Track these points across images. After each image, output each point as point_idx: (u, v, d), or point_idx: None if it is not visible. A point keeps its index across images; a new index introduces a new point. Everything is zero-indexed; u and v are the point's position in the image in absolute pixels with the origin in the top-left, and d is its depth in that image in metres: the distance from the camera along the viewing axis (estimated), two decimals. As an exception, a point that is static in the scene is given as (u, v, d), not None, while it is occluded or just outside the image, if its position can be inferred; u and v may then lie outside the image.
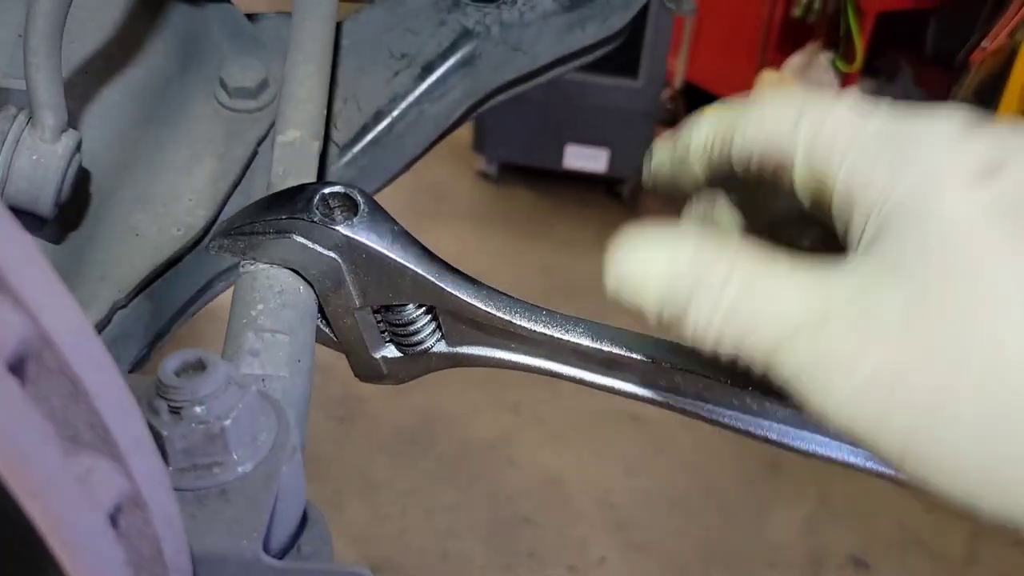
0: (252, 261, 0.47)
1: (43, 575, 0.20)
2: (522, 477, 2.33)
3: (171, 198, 0.56)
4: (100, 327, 0.52)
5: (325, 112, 0.54)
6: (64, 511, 0.19)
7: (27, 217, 0.49)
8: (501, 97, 0.66)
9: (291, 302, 0.47)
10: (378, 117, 0.60)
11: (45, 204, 0.49)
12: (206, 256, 0.55)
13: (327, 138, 0.58)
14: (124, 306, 0.54)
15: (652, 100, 3.61)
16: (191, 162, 0.58)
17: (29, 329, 0.19)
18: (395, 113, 0.60)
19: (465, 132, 3.79)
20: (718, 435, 2.24)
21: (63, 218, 0.53)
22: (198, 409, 0.33)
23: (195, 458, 0.34)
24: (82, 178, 0.52)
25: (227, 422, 0.33)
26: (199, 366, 0.34)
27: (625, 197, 3.76)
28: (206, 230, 0.57)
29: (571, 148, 3.65)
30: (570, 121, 3.61)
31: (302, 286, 0.48)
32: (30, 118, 0.49)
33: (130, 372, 0.56)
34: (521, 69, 0.68)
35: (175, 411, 0.33)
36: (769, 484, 2.39)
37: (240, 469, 0.34)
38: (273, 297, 0.46)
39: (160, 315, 0.57)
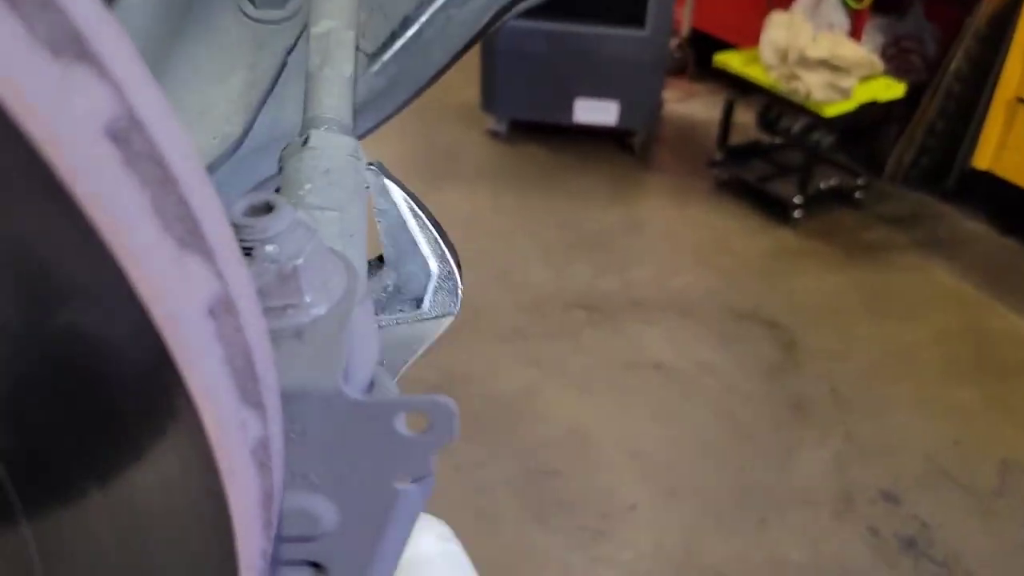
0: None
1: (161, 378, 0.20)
2: (549, 430, 2.33)
3: (206, 107, 0.56)
4: None
5: (356, 5, 0.54)
6: (168, 300, 0.19)
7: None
8: (529, 3, 0.65)
9: (338, 180, 0.46)
10: (406, 24, 0.58)
11: None
12: (245, 162, 0.55)
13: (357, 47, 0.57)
14: None
15: (660, 50, 3.57)
16: (222, 73, 0.57)
17: (118, 105, 0.18)
18: (423, 19, 0.59)
19: (473, 93, 3.76)
20: (742, 377, 2.26)
21: None
22: (269, 248, 0.32)
23: (269, 300, 0.33)
24: None
25: (299, 261, 0.33)
26: (266, 208, 0.33)
27: (636, 149, 3.72)
28: (242, 138, 0.56)
29: (580, 102, 3.62)
30: (578, 75, 3.57)
31: (349, 164, 0.47)
32: None
33: None
34: None
35: (246, 251, 0.32)
36: (796, 425, 2.39)
37: (314, 311, 0.34)
38: (319, 177, 0.46)
39: None
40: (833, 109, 3.03)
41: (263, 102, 0.57)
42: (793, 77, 3.06)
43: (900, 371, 2.61)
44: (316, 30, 0.51)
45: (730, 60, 3.34)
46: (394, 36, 0.59)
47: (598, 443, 2.30)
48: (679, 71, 4.31)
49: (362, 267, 0.46)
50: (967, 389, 2.55)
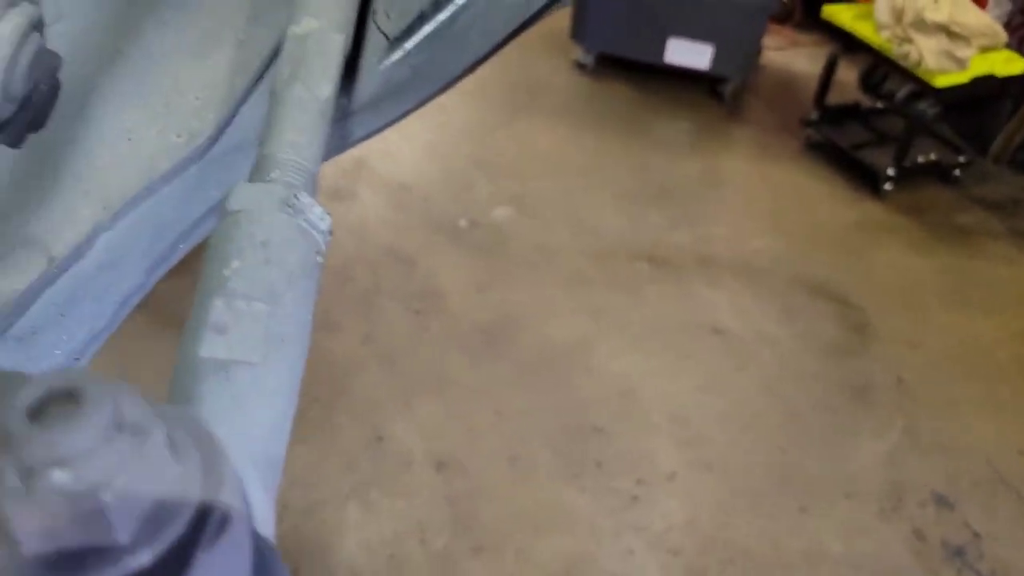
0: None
1: None
2: (597, 385, 2.28)
3: (175, 94, 0.47)
4: (81, 251, 0.45)
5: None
6: None
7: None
8: None
9: (276, 258, 0.36)
10: (440, 3, 0.48)
11: None
12: (215, 168, 0.47)
13: (375, 28, 0.48)
14: (109, 228, 0.46)
15: (766, -7, 3.34)
16: (204, 47, 0.48)
17: None
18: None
19: (562, 19, 3.61)
20: (803, 354, 2.15)
21: (30, 116, 0.42)
22: (59, 475, 0.22)
23: (60, 542, 0.22)
24: (51, 64, 0.41)
25: (106, 494, 0.22)
26: (69, 399, 0.22)
27: (727, 98, 3.55)
28: (214, 138, 0.48)
29: (674, 41, 3.44)
30: (675, 13, 3.39)
31: (297, 235, 0.38)
32: None
33: (122, 306, 0.49)
34: None
35: (28, 474, 0.22)
36: (853, 412, 2.29)
37: (132, 561, 0.23)
38: (252, 250, 0.36)
39: (160, 238, 0.49)
40: (944, 79, 2.81)
41: (248, 91, 0.48)
42: (906, 40, 2.83)
43: (974, 368, 2.46)
44: (294, 29, 0.41)
45: (839, 13, 3.12)
46: (423, 18, 0.49)
47: (645, 405, 2.24)
48: (784, 18, 4.06)
49: (280, 408, 0.37)
50: (1045, 396, 2.40)
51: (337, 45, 0.41)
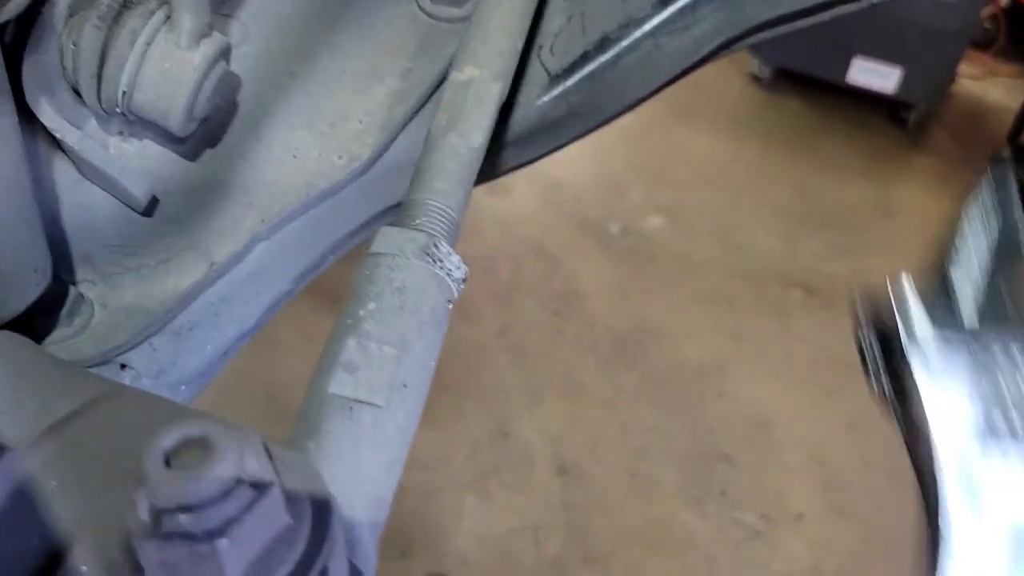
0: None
1: None
2: (729, 411, 2.21)
3: (340, 117, 0.49)
4: (239, 258, 0.48)
5: (520, 46, 0.44)
6: None
7: (160, 129, 0.44)
8: (765, 35, 0.53)
9: (412, 305, 0.37)
10: (604, 45, 0.48)
11: (175, 119, 0.42)
12: (369, 188, 0.48)
13: (538, 63, 0.48)
14: (266, 238, 0.48)
15: (967, 17, 3.12)
16: (371, 77, 0.50)
17: None
18: (625, 43, 0.48)
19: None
20: None
21: (208, 132, 0.47)
22: (183, 518, 0.23)
23: None
24: (232, 87, 0.46)
25: (223, 541, 0.23)
26: (202, 446, 0.24)
27: (910, 125, 3.33)
28: (372, 161, 0.49)
29: (859, 61, 3.26)
30: (862, 30, 3.21)
31: (433, 283, 0.39)
32: (168, 17, 0.42)
33: (269, 309, 0.51)
34: (796, 4, 0.53)
35: (158, 514, 0.24)
36: (1012, 479, 2.11)
37: None
38: (390, 295, 0.37)
39: (310, 250, 0.51)
40: None
41: (406, 122, 0.49)
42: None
43: None
44: (456, 76, 0.42)
45: (1051, 44, 2.86)
46: (586, 57, 0.49)
47: (780, 438, 2.15)
48: (986, 44, 3.77)
49: (397, 445, 0.38)
50: None
51: (495, 95, 0.42)
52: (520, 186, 2.90)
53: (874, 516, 2.00)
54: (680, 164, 3.10)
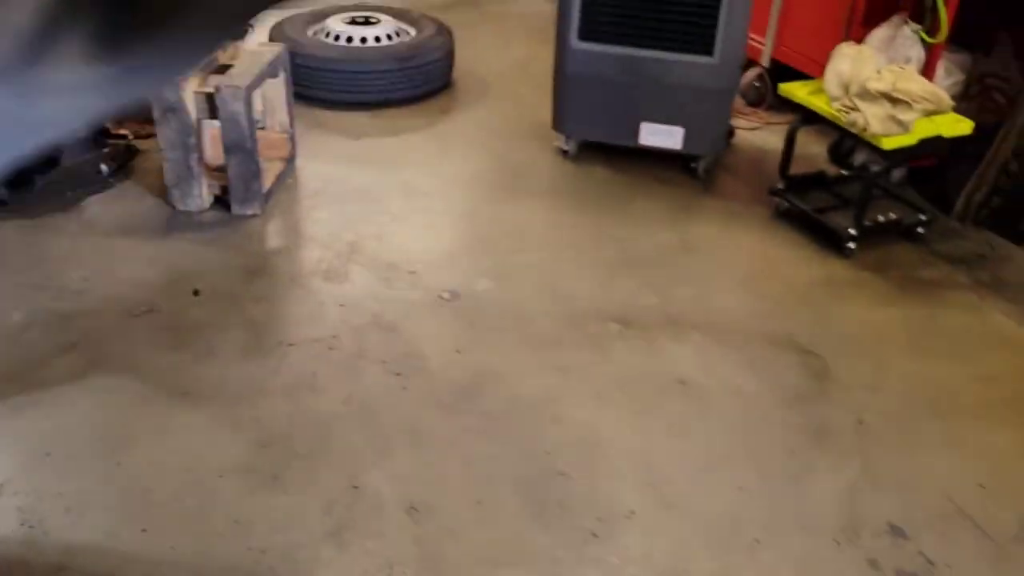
0: None
1: None
2: (562, 433, 2.40)
3: None
4: None
5: None
6: None
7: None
8: None
9: None
10: None
11: None
12: None
13: None
14: None
15: (728, 78, 3.59)
16: None
17: None
18: None
19: (546, 112, 3.88)
20: (765, 401, 2.29)
21: None
22: None
23: None
24: None
25: None
26: None
27: (700, 173, 3.75)
28: None
29: (647, 125, 3.68)
30: (646, 99, 3.64)
31: None
32: None
33: None
34: None
35: None
36: (812, 453, 2.38)
37: None
38: None
39: None
40: (891, 142, 2.99)
41: None
42: (852, 108, 3.04)
43: (934, 409, 2.55)
44: None
45: (795, 90, 3.34)
46: None
47: (608, 450, 2.35)
48: (757, 102, 4.31)
49: None
50: (1003, 434, 2.47)
51: None
52: (357, 270, 3.08)
53: (695, 503, 2.21)
54: (505, 235, 3.37)
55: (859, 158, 3.50)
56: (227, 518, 2.11)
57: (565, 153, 3.92)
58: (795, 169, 3.48)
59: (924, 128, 3.02)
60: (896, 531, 2.14)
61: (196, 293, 2.90)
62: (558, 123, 3.87)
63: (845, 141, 3.45)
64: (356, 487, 2.21)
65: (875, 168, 3.07)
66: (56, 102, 0.71)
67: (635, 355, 2.73)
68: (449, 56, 4.47)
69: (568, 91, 3.74)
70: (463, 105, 4.41)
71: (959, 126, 3.10)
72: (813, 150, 3.91)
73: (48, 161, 3.40)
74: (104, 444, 2.31)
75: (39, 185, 3.38)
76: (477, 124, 4.20)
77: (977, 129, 3.15)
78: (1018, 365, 2.74)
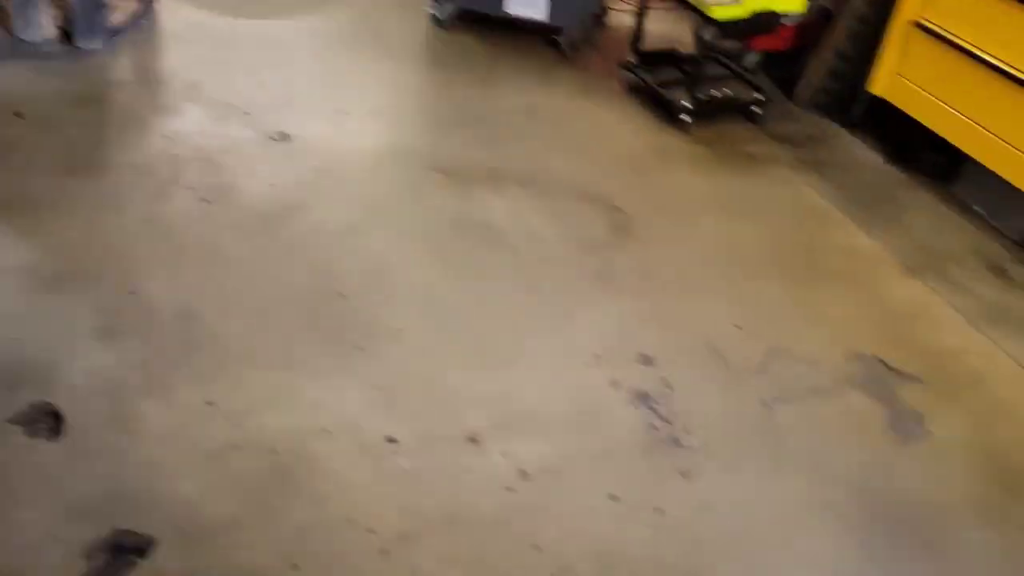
0: None
1: None
2: (355, 263, 2.46)
3: None
4: None
5: None
6: None
7: None
8: None
9: None
10: None
11: None
12: None
13: None
14: None
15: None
16: None
17: None
18: None
19: (421, -22, 3.84)
20: (562, 247, 2.34)
21: None
22: None
23: None
24: None
25: None
26: None
27: (564, 47, 3.77)
28: None
29: (513, -6, 3.67)
30: (513, -33, 3.61)
31: None
32: None
33: None
34: None
35: None
36: (593, 292, 2.47)
37: None
38: None
39: None
40: (723, 12, 3.03)
41: None
42: (691, -21, 3.06)
43: (721, 259, 2.66)
44: None
45: (649, -39, 3.35)
46: None
47: (393, 279, 2.42)
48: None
49: None
50: (777, 285, 2.59)
51: None
52: (191, 108, 3.08)
53: (465, 327, 2.29)
54: (352, 87, 3.38)
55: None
56: (1, 311, 2.16)
57: (437, 20, 3.91)
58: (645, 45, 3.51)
59: (756, 2, 3.06)
60: (645, 359, 2.25)
61: (19, 115, 2.89)
62: (430, -11, 3.84)
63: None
64: (134, 293, 2.26)
65: (707, 38, 3.11)
66: None
67: (449, 201, 2.79)
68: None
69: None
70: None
71: (791, 3, 3.14)
72: (678, 30, 3.93)
73: None
74: None
75: None
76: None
77: (824, 14, 3.19)
78: (812, 231, 2.85)
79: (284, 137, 2.98)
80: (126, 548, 1.57)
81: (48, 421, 1.84)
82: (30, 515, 1.63)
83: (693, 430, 2.06)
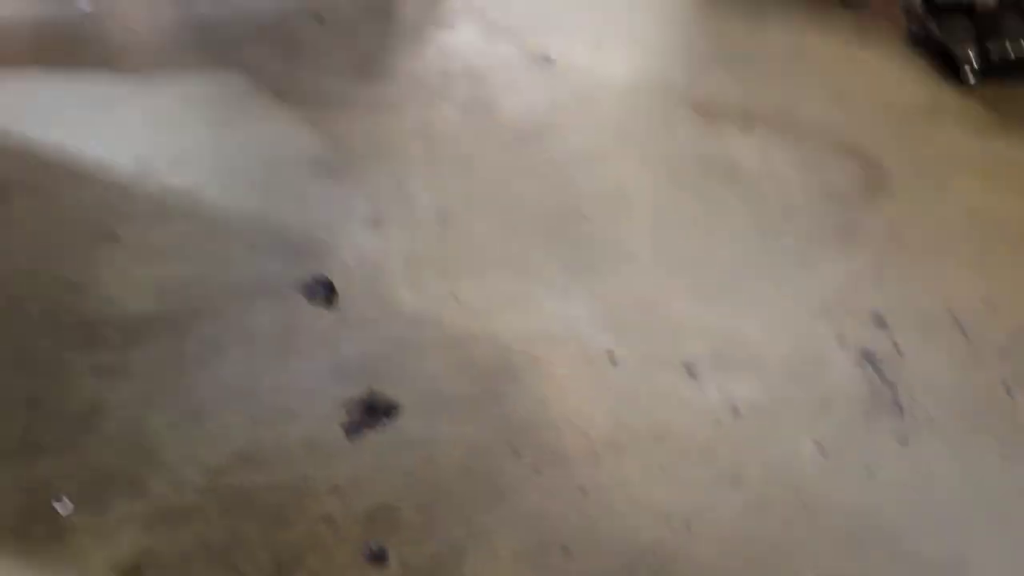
0: None
1: None
2: (599, 186, 2.58)
3: None
4: None
5: None
6: None
7: None
8: None
9: None
10: None
11: None
12: None
13: None
14: None
15: None
16: None
17: None
18: None
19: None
20: (806, 196, 2.41)
21: None
22: None
23: None
24: None
25: None
26: None
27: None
28: None
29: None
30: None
31: None
32: None
33: None
34: None
35: None
36: (833, 245, 2.43)
37: None
38: None
39: None
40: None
41: None
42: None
43: (979, 230, 2.50)
44: None
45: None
46: None
47: (632, 205, 2.52)
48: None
49: None
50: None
51: None
52: (467, 25, 3.29)
53: (696, 258, 2.35)
54: (621, 19, 3.44)
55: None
56: (290, 192, 2.49)
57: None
58: None
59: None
60: (878, 321, 2.20)
61: (320, 20, 3.23)
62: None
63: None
64: (400, 189, 2.52)
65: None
66: None
67: (698, 137, 2.81)
68: None
69: None
70: None
71: None
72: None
73: None
74: (208, 120, 2.73)
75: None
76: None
77: None
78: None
79: (547, 60, 3.12)
80: (378, 408, 1.81)
81: (324, 291, 2.13)
82: (307, 367, 1.93)
83: (919, 400, 2.01)
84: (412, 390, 1.89)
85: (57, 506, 1.58)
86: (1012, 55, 3.02)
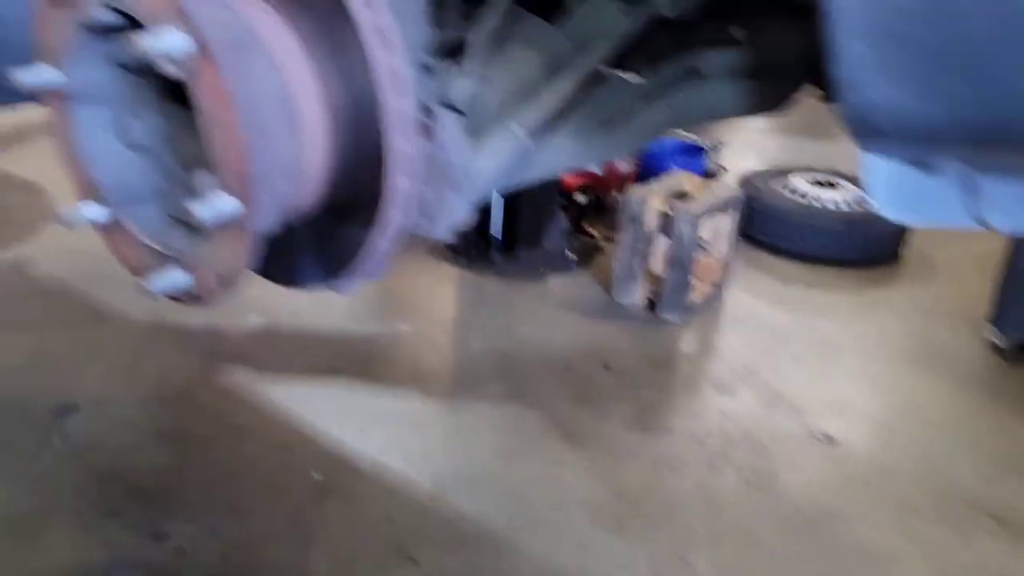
0: None
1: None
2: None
3: None
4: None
5: None
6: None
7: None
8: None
9: None
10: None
11: None
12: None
13: None
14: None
15: None
16: None
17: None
18: None
19: (978, 295, 3.82)
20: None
21: None
22: None
23: None
24: None
25: None
26: None
27: None
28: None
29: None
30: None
31: None
32: None
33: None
34: None
35: None
36: None
37: None
38: None
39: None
40: None
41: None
42: None
43: None
44: None
45: None
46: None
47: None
48: None
49: None
50: None
51: None
52: (745, 391, 3.39)
53: None
54: (904, 405, 3.41)
55: None
56: (573, 537, 2.55)
57: (998, 348, 3.80)
58: None
59: None
60: None
61: (607, 367, 3.46)
62: (997, 317, 3.78)
63: None
64: (683, 559, 2.50)
65: None
66: (550, 153, 1.24)
67: (1000, 555, 2.61)
68: (900, 233, 4.59)
69: (1017, 288, 3.66)
70: (900, 280, 4.48)
71: None
72: None
73: (534, 241, 4.29)
74: (501, 450, 2.92)
75: (521, 258, 4.28)
76: (907, 299, 4.25)
77: None
78: None
79: (829, 440, 3.11)
80: None
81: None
82: None
83: None
84: None
85: None
86: None
